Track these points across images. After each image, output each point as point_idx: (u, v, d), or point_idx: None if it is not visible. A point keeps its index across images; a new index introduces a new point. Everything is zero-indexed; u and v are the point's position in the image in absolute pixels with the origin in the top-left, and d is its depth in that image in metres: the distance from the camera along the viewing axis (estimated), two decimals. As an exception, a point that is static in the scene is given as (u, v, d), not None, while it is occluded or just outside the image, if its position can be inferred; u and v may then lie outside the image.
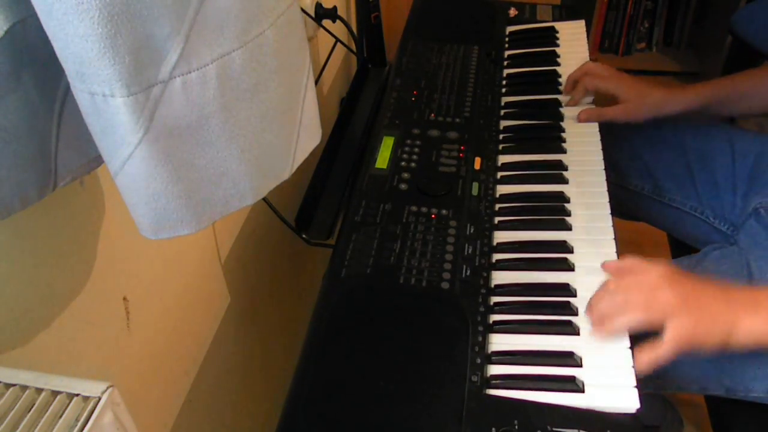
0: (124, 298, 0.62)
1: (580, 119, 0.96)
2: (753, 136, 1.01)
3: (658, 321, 0.64)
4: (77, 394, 0.39)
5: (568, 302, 0.70)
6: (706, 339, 0.64)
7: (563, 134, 0.94)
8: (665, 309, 0.64)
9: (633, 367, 0.63)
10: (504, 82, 1.05)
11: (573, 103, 0.99)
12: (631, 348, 0.65)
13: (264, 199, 0.77)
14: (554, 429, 0.58)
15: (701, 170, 1.00)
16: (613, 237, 0.77)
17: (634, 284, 0.67)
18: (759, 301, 0.65)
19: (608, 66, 1.01)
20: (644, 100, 0.96)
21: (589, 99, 0.99)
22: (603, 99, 1.00)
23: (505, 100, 1.02)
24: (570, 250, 0.76)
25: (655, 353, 0.63)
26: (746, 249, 0.88)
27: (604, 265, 0.73)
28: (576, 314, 0.69)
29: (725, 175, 0.98)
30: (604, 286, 0.69)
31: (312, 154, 0.54)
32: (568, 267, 0.74)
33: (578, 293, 0.71)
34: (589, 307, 0.69)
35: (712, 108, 0.98)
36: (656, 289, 0.66)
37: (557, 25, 1.17)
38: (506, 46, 1.14)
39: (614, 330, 0.65)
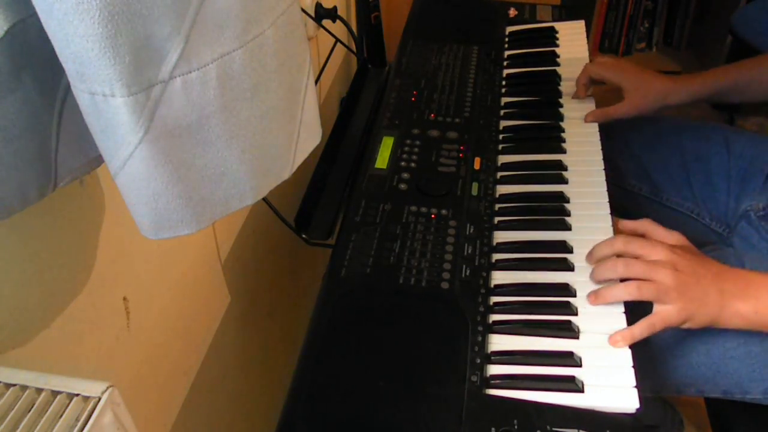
0: (124, 298, 0.62)
1: (587, 120, 0.95)
2: (749, 137, 1.01)
3: (649, 300, 0.67)
4: (77, 394, 0.39)
5: (568, 302, 0.70)
6: (687, 321, 0.68)
7: (563, 134, 0.94)
8: (659, 291, 0.67)
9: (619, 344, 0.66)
10: (504, 82, 1.05)
11: (577, 96, 0.99)
12: (631, 348, 0.65)
13: (264, 199, 0.77)
14: (554, 429, 0.58)
15: (697, 171, 1.00)
16: (613, 237, 0.76)
17: (639, 254, 0.69)
18: (749, 289, 0.68)
19: (611, 57, 1.01)
20: (648, 91, 0.95)
21: (591, 102, 0.99)
22: (606, 96, 1.00)
23: (505, 100, 1.02)
24: (570, 250, 0.76)
25: (632, 333, 0.66)
26: (740, 251, 0.88)
27: (620, 224, 0.76)
28: (576, 314, 0.69)
29: (721, 177, 0.98)
30: (611, 241, 0.72)
31: (312, 153, 0.54)
32: (568, 267, 0.74)
33: (578, 293, 0.71)
34: (590, 254, 0.73)
35: (717, 97, 0.97)
36: (657, 268, 0.68)
37: (557, 25, 1.17)
38: (506, 46, 1.14)
39: (607, 301, 0.69)
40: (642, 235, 0.73)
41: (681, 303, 0.67)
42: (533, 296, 0.71)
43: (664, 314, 0.67)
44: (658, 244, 0.70)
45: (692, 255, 0.71)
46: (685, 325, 0.68)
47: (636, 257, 0.69)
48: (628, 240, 0.71)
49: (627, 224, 0.76)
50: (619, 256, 0.71)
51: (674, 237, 0.73)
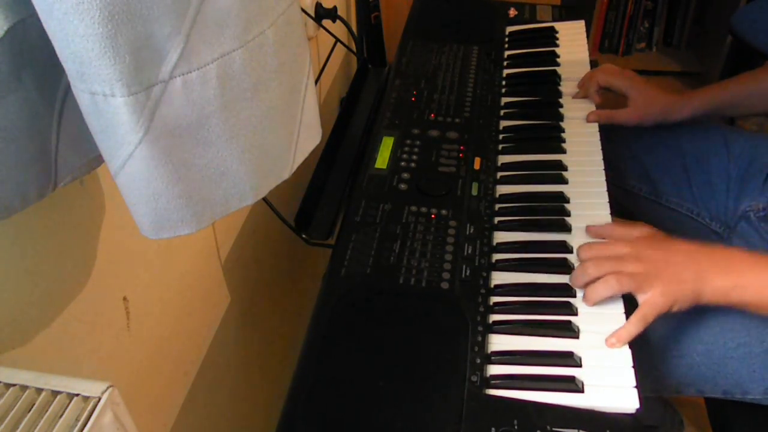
0: (124, 298, 0.62)
1: (589, 120, 0.96)
2: (748, 137, 1.01)
3: (630, 290, 0.68)
4: (77, 394, 0.39)
5: (568, 302, 0.70)
6: (674, 304, 0.68)
7: (563, 134, 0.94)
8: (635, 280, 0.68)
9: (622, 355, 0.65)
10: (504, 82, 1.05)
11: (582, 96, 1.00)
12: (631, 348, 0.65)
13: (264, 199, 0.77)
14: (554, 429, 0.58)
15: (697, 172, 1.00)
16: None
17: (603, 254, 0.71)
18: (731, 266, 0.69)
19: (613, 65, 1.02)
20: (652, 105, 0.97)
21: (591, 103, 0.99)
22: (609, 102, 1.01)
23: (504, 100, 1.02)
24: (570, 251, 0.76)
25: (627, 330, 0.66)
26: None
27: (587, 229, 0.78)
28: (576, 314, 0.69)
29: (720, 177, 0.98)
30: (580, 264, 0.73)
31: (312, 153, 0.54)
32: (568, 267, 0.74)
33: (578, 293, 0.71)
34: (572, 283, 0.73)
35: (718, 111, 0.99)
36: (623, 261, 0.69)
37: (557, 25, 1.17)
38: (506, 46, 1.14)
39: (594, 301, 0.69)
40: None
41: (660, 286, 0.67)
42: (533, 296, 0.71)
43: (650, 302, 0.67)
44: (616, 243, 0.72)
45: (657, 241, 0.72)
46: (675, 308, 0.68)
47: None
48: (589, 247, 0.74)
49: (591, 230, 0.78)
50: None
51: (637, 230, 0.75)
